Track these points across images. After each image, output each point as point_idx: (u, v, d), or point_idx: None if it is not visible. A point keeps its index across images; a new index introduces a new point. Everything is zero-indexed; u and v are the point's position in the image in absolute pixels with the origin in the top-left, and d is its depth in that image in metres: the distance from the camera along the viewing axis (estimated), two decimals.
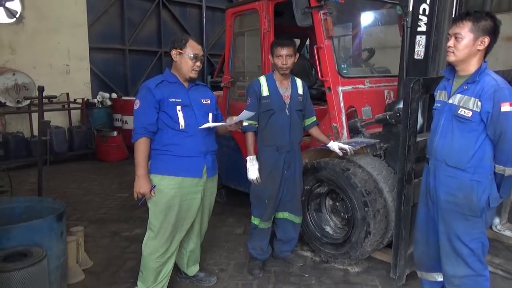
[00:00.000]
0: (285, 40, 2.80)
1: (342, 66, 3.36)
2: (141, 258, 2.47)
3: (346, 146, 2.83)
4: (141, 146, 2.26)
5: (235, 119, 2.42)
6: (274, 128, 2.79)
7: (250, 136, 2.82)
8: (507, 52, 9.81)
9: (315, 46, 3.25)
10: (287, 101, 2.83)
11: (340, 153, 2.86)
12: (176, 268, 2.80)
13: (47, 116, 6.86)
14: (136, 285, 2.50)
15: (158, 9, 9.32)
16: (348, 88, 3.25)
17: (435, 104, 2.22)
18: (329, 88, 3.18)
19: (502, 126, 1.88)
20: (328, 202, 3.27)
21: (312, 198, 3.24)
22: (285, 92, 2.85)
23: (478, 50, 1.97)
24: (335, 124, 3.15)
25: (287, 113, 2.82)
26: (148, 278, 2.42)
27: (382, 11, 4.14)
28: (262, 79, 2.86)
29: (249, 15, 3.89)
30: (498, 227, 3.49)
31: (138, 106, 2.29)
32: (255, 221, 2.96)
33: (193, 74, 2.35)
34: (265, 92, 2.80)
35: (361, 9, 4.33)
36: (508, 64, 8.23)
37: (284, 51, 2.73)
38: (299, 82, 2.95)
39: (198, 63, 2.34)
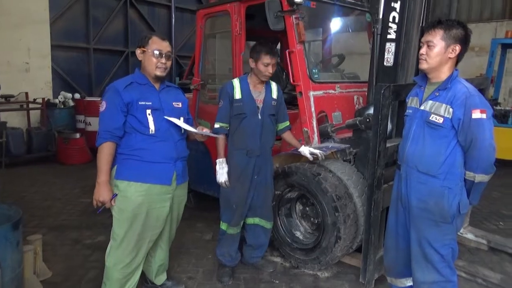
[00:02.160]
0: (272, 47, 2.79)
1: (314, 71, 3.37)
2: (104, 268, 2.34)
3: (317, 151, 2.83)
4: (105, 151, 2.13)
5: (205, 131, 2.34)
6: (245, 132, 2.75)
7: (220, 139, 2.77)
8: (466, 61, 10.34)
9: (287, 51, 3.24)
10: (260, 105, 2.79)
11: (311, 158, 2.85)
12: (143, 277, 2.69)
13: (4, 116, 6.52)
14: None
15: (125, 8, 9.07)
16: (319, 93, 3.26)
17: (406, 111, 2.24)
18: (301, 93, 3.17)
19: (473, 132, 1.91)
20: (299, 207, 3.25)
21: (282, 203, 3.21)
22: (258, 96, 2.81)
23: (449, 58, 2.00)
24: (306, 129, 3.14)
25: (259, 117, 2.78)
26: None
27: (352, 17, 4.19)
28: (236, 82, 2.81)
29: (221, 17, 3.83)
30: (461, 230, 3.60)
31: (104, 108, 2.16)
32: (223, 226, 2.90)
33: (159, 72, 2.22)
34: (237, 95, 2.76)
35: (332, 15, 4.37)
36: (468, 72, 8.63)
37: (272, 60, 2.73)
38: (274, 86, 2.92)
39: (163, 60, 2.21)
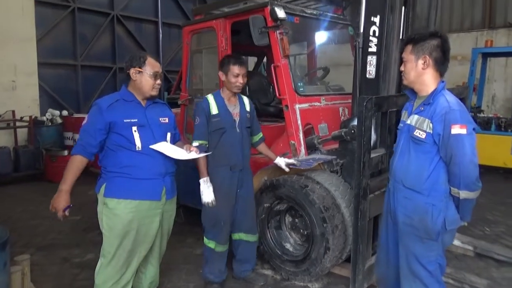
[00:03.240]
0: (240, 58, 2.83)
1: (299, 84, 3.43)
2: (93, 286, 2.32)
3: (292, 161, 2.87)
4: (74, 162, 2.17)
5: (193, 151, 2.35)
6: (227, 146, 2.75)
7: (201, 158, 2.70)
8: (449, 70, 10.56)
9: (272, 65, 3.30)
10: (237, 119, 2.82)
11: (287, 169, 2.90)
12: None
13: None
14: None
15: (112, 24, 9.11)
16: (305, 105, 3.32)
17: (399, 124, 2.24)
18: (287, 106, 3.23)
19: (452, 148, 1.87)
20: (288, 219, 3.28)
21: (272, 215, 3.24)
22: (234, 109, 2.84)
23: (423, 69, 1.99)
24: (293, 141, 3.19)
25: (238, 130, 2.80)
26: None
27: (336, 31, 4.30)
28: (210, 98, 2.82)
29: (207, 33, 3.89)
30: None
31: (85, 122, 2.22)
32: (211, 244, 2.87)
33: (154, 92, 2.29)
34: (214, 110, 2.76)
35: (316, 29, 4.47)
36: (451, 81, 8.82)
37: (242, 70, 2.75)
38: (245, 99, 2.96)
39: (158, 81, 2.28)
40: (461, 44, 10.58)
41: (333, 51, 5.04)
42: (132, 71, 2.27)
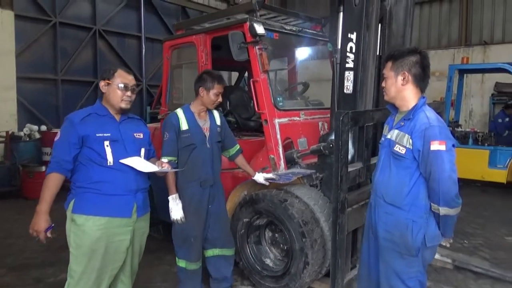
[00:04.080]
0: (222, 76, 2.84)
1: (278, 99, 3.45)
2: None
3: (270, 175, 2.88)
4: (50, 181, 2.10)
5: (165, 167, 2.32)
6: (197, 162, 2.71)
7: (170, 174, 2.65)
8: (428, 86, 10.86)
9: (251, 80, 3.33)
10: (207, 134, 2.79)
11: (267, 183, 2.89)
12: None
13: None
14: None
15: (94, 39, 9.07)
16: (284, 120, 3.34)
17: (381, 138, 2.24)
18: (266, 121, 3.24)
19: (432, 165, 1.86)
20: (268, 234, 3.25)
21: (251, 230, 3.21)
22: (204, 124, 2.81)
23: (402, 85, 2.00)
24: (272, 156, 3.19)
25: (208, 146, 2.78)
26: None
27: (316, 47, 4.37)
28: (180, 113, 2.78)
29: (187, 48, 3.91)
30: None
31: (58, 138, 2.16)
32: (182, 263, 2.81)
33: (124, 105, 2.23)
34: (184, 126, 2.73)
35: (295, 45, 4.54)
36: (430, 96, 9.03)
37: (222, 89, 2.77)
38: (216, 113, 2.95)
39: (128, 93, 2.22)
40: (439, 61, 10.91)
41: (315, 67, 5.11)
42: (101, 84, 2.24)
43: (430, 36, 11.95)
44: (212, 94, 2.75)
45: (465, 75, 8.34)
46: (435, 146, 1.86)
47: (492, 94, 10.30)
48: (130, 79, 2.26)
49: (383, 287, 2.13)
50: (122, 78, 2.22)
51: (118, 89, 2.20)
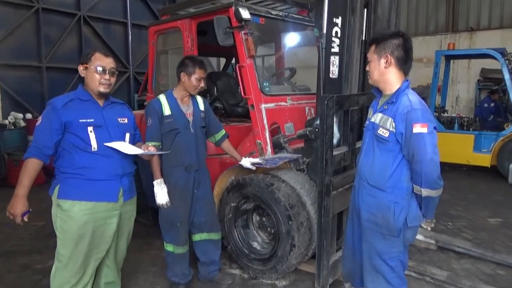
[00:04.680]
0: (203, 61, 2.82)
1: (265, 84, 3.46)
2: None
3: (257, 160, 2.90)
4: (29, 166, 2.08)
5: (150, 150, 2.33)
6: (181, 147, 2.71)
7: (154, 159, 2.66)
8: (416, 72, 10.89)
9: (237, 65, 3.32)
10: (190, 119, 2.79)
11: (254, 168, 2.92)
12: None
13: None
14: None
15: (79, 25, 8.89)
16: (271, 105, 3.35)
17: (365, 122, 2.26)
18: (252, 106, 3.25)
19: (414, 147, 1.89)
20: (255, 218, 3.29)
21: (239, 214, 3.24)
22: (187, 109, 2.80)
23: (385, 68, 2.02)
24: (259, 141, 3.21)
25: (192, 130, 2.77)
26: None
27: (304, 32, 4.36)
28: (163, 98, 2.77)
29: (172, 33, 3.87)
30: None
31: (39, 123, 2.13)
32: (169, 247, 2.83)
33: (103, 89, 2.20)
34: (167, 111, 2.71)
35: (282, 30, 4.52)
36: (418, 82, 9.12)
37: (205, 74, 2.75)
38: (199, 99, 2.94)
39: (106, 76, 2.19)
40: (427, 47, 10.97)
41: (303, 53, 5.11)
42: (80, 68, 2.22)
43: (418, 22, 11.99)
44: (193, 79, 2.74)
45: (451, 61, 8.41)
46: (417, 128, 1.89)
47: (478, 80, 10.43)
48: (108, 62, 2.22)
49: (366, 267, 2.20)
50: (100, 61, 2.19)
51: (96, 72, 2.18)
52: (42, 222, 4.43)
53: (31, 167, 2.09)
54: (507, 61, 6.62)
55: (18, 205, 2.05)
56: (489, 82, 9.53)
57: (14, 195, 2.07)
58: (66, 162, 2.15)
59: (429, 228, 2.19)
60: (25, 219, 2.09)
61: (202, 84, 2.77)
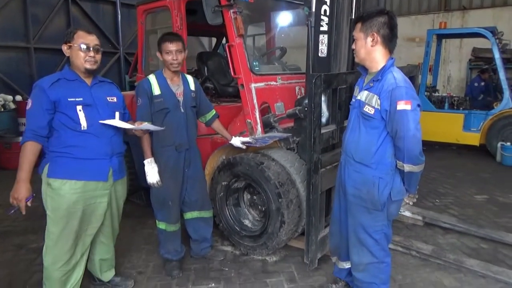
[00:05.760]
0: (173, 35, 2.77)
1: (254, 63, 3.46)
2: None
3: (247, 139, 2.94)
4: (27, 150, 2.09)
5: (143, 126, 2.36)
6: (171, 127, 2.71)
7: (145, 138, 2.67)
8: (408, 51, 10.91)
9: (227, 44, 3.31)
10: (181, 98, 2.78)
11: (244, 147, 2.96)
12: (90, 276, 2.68)
13: None
14: None
15: (67, 5, 8.70)
16: (260, 85, 3.35)
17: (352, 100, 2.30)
18: (242, 85, 3.25)
19: (398, 124, 1.94)
20: (246, 196, 3.35)
21: (230, 193, 3.29)
22: (177, 89, 2.79)
23: (372, 46, 2.04)
24: (249, 120, 3.23)
25: (182, 110, 2.77)
26: None
27: (294, 11, 4.33)
28: (152, 78, 2.75)
29: (161, 12, 3.83)
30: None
31: (29, 106, 2.13)
32: (162, 225, 2.88)
33: (89, 65, 2.20)
34: (156, 91, 2.70)
35: (273, 9, 4.49)
36: (409, 62, 9.12)
37: (173, 47, 2.67)
38: (190, 78, 2.92)
39: (91, 54, 2.19)
40: (419, 26, 10.94)
41: (295, 32, 5.08)
42: (64, 48, 2.22)
43: (410, 1, 11.88)
44: (164, 54, 2.69)
45: (443, 40, 8.41)
46: (401, 106, 1.93)
47: (470, 60, 10.45)
48: (91, 39, 2.22)
49: (352, 241, 2.28)
50: (83, 38, 2.19)
51: (80, 50, 2.18)
52: (35, 204, 4.46)
53: (29, 150, 2.10)
54: (497, 40, 6.64)
55: (22, 190, 2.07)
56: (481, 61, 9.55)
57: (16, 181, 2.08)
58: (55, 140, 2.17)
59: (411, 203, 2.26)
60: (29, 204, 2.11)
61: (175, 57, 2.68)
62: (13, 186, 2.09)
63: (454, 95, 8.16)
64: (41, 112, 2.11)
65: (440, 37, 7.96)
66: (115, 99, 2.36)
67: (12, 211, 2.14)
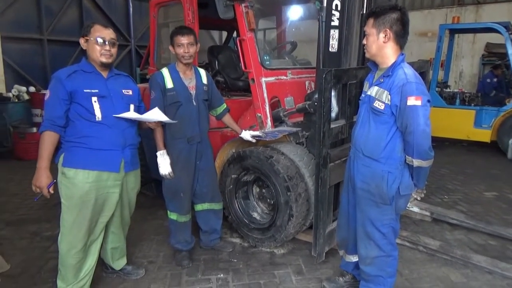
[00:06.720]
0: (185, 28, 2.81)
1: (265, 58, 3.47)
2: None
3: (257, 133, 2.97)
4: (45, 139, 2.17)
5: (153, 110, 2.41)
6: (183, 120, 2.76)
7: (158, 131, 2.71)
8: (420, 46, 10.81)
9: (238, 38, 3.33)
10: (193, 92, 2.82)
11: (254, 141, 3.00)
12: (103, 264, 2.76)
13: None
14: (56, 285, 2.40)
15: None
16: (271, 79, 3.38)
17: (361, 95, 2.32)
18: (253, 79, 3.28)
19: (408, 119, 1.95)
20: (255, 189, 3.39)
21: (239, 186, 3.34)
22: (190, 82, 2.83)
23: (384, 42, 2.05)
24: (259, 114, 3.27)
25: (194, 103, 2.81)
26: (67, 275, 2.34)
27: (305, 6, 4.32)
28: (165, 71, 2.80)
29: (173, 6, 3.86)
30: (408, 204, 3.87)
31: (47, 97, 2.20)
32: (173, 216, 2.94)
33: (105, 59, 2.26)
34: (169, 84, 2.75)
35: (284, 3, 4.49)
36: (422, 57, 9.02)
37: (185, 40, 2.71)
38: (202, 72, 2.96)
39: (107, 47, 2.25)
40: (432, 21, 10.79)
41: (305, 27, 5.07)
42: (81, 41, 2.28)
43: None
44: (176, 47, 2.74)
45: (456, 35, 8.30)
46: (412, 101, 1.94)
47: (483, 55, 10.31)
48: (108, 33, 2.28)
49: (359, 234, 2.30)
50: (99, 32, 2.25)
51: (96, 43, 2.24)
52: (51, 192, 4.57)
53: (47, 139, 2.17)
54: (511, 35, 6.53)
55: (42, 178, 2.15)
56: (494, 57, 9.42)
57: (36, 169, 2.16)
58: (71, 130, 2.23)
59: (419, 198, 2.28)
60: (51, 190, 2.19)
61: (187, 50, 2.72)
62: (31, 176, 2.17)
63: (465, 91, 8.07)
64: (57, 102, 2.18)
65: (453, 32, 7.86)
66: (130, 92, 2.41)
67: (37, 198, 2.24)
